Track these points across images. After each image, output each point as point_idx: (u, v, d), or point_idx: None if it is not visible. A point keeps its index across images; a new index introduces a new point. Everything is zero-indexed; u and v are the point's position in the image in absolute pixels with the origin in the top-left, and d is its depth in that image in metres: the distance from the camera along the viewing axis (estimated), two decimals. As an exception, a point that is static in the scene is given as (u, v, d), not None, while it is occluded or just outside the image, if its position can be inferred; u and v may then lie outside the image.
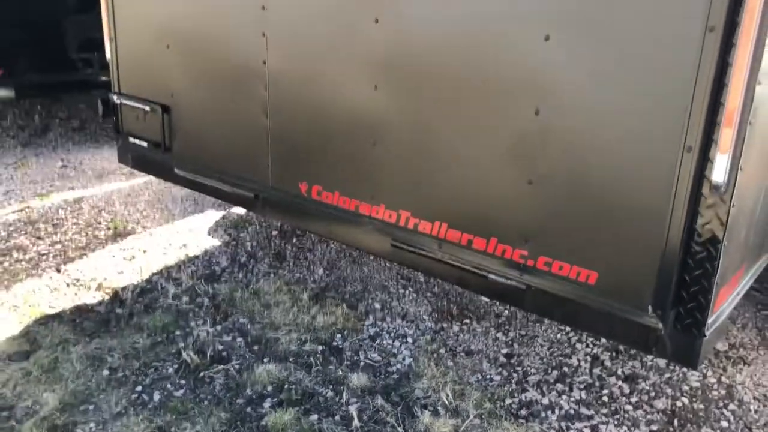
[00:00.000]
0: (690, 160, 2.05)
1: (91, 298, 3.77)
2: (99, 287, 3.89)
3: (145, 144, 3.98)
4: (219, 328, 3.48)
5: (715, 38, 1.94)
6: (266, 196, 3.38)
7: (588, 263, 2.36)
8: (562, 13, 2.23)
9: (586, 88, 2.24)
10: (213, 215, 5.10)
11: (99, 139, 7.12)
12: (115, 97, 4.07)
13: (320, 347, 3.34)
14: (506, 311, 3.80)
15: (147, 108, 3.86)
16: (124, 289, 3.85)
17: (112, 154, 6.51)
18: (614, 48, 2.15)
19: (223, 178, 3.57)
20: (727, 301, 2.39)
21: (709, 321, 2.22)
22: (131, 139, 4.06)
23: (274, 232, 4.74)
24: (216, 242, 4.59)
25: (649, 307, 2.24)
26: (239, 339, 3.40)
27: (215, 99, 3.51)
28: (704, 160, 2.05)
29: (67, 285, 3.91)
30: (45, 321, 3.48)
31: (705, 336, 2.22)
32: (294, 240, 4.64)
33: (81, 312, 3.60)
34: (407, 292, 3.98)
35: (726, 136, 1.99)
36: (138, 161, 4.15)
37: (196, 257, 4.35)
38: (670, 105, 2.06)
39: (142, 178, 5.78)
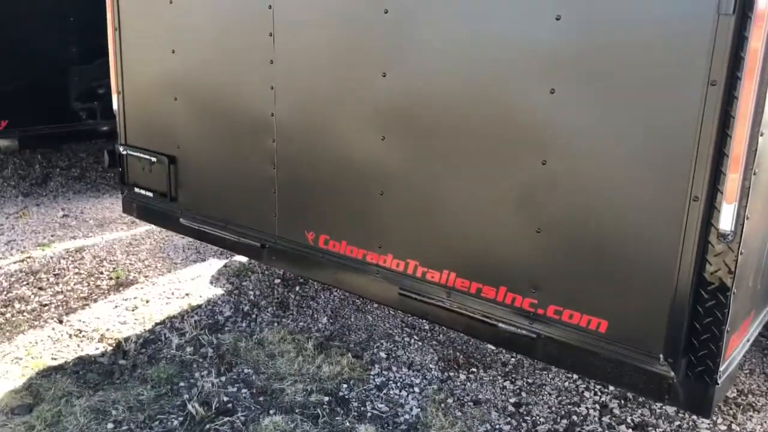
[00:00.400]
0: (697, 210, 2.10)
1: (94, 349, 3.74)
2: (102, 338, 3.86)
3: (150, 194, 4.01)
4: (224, 378, 3.45)
5: (717, 92, 2.01)
6: (273, 245, 3.40)
7: (598, 311, 2.37)
8: (567, 66, 2.31)
9: (593, 139, 2.30)
10: (215, 264, 5.09)
11: (99, 187, 7.16)
12: (121, 148, 4.12)
13: (326, 398, 3.31)
14: (513, 359, 3.78)
15: (153, 159, 3.91)
16: (127, 339, 3.82)
17: (112, 202, 6.55)
18: (619, 100, 2.22)
19: (229, 227, 3.60)
20: (737, 347, 2.40)
21: (721, 368, 2.23)
22: (137, 190, 4.10)
23: (277, 281, 4.74)
24: (219, 291, 4.58)
25: (661, 355, 2.25)
26: (244, 390, 3.36)
27: (222, 150, 3.56)
28: (711, 209, 2.09)
29: (70, 336, 3.88)
30: (48, 373, 3.44)
31: (717, 383, 2.22)
32: (297, 288, 4.64)
33: (84, 364, 3.57)
34: (412, 340, 3.96)
35: (731, 185, 2.04)
36: (143, 211, 4.18)
37: (199, 307, 4.33)
38: (675, 155, 2.12)
39: (144, 227, 5.79)
